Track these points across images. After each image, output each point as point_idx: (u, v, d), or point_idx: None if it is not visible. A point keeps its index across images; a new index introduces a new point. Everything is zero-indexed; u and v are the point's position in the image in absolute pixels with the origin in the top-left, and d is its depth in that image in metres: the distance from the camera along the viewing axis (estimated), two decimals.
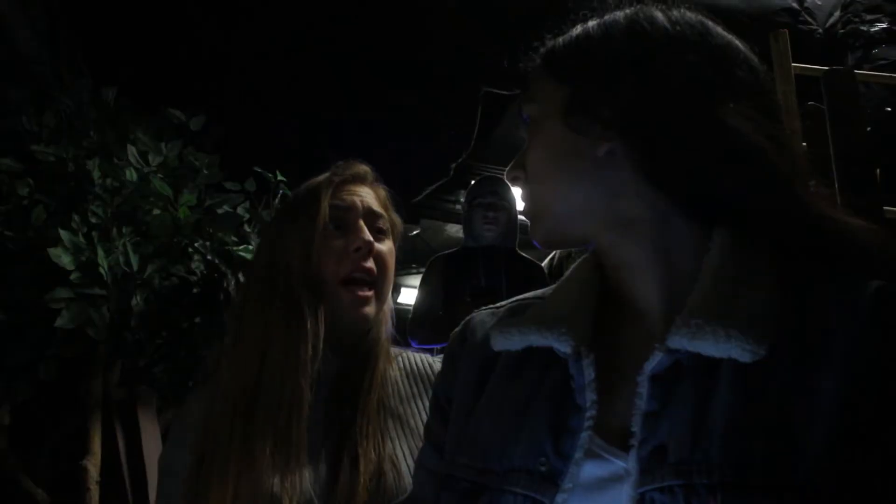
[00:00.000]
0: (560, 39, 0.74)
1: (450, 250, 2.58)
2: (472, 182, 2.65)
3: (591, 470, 0.64)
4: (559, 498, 0.64)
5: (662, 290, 0.69)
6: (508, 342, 0.73)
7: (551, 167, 0.71)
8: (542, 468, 0.66)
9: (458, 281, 2.37)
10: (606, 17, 0.73)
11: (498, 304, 0.82)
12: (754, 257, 0.65)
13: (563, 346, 0.69)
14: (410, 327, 2.43)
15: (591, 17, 0.74)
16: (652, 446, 0.61)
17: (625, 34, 0.70)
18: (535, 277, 2.43)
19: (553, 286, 0.78)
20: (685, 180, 0.66)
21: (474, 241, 2.47)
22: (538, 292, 0.84)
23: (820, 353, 0.58)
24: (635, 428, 0.62)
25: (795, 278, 0.64)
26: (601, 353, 0.68)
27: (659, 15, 0.71)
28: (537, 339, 0.71)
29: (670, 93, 0.67)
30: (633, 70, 0.68)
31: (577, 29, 0.74)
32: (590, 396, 0.66)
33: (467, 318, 0.85)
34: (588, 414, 0.65)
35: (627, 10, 0.72)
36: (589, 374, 0.67)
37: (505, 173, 0.77)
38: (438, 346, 2.26)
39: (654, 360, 0.63)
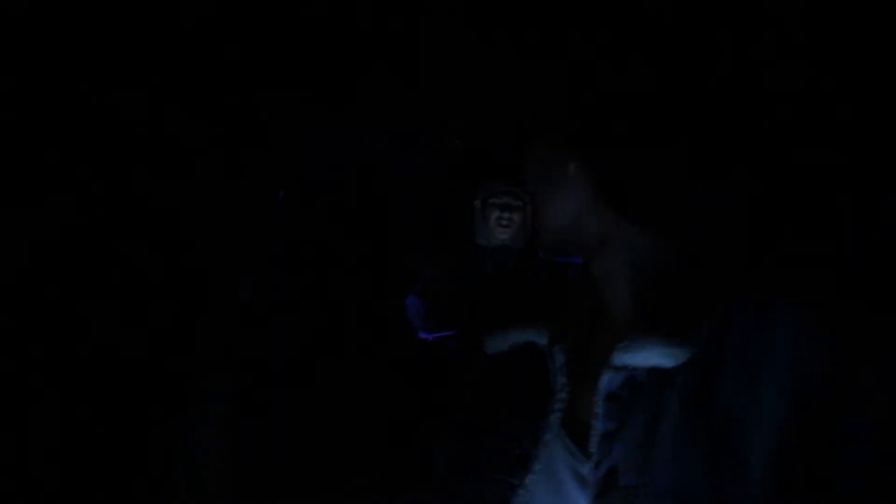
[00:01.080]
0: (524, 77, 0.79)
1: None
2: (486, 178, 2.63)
3: (557, 463, 0.66)
4: (528, 479, 0.66)
5: (629, 303, 0.70)
6: (496, 344, 0.77)
7: (538, 185, 0.75)
8: (517, 451, 0.69)
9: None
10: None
11: None
12: (698, 272, 0.67)
13: (541, 339, 0.72)
14: None
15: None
16: (606, 468, 0.62)
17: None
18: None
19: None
20: (632, 200, 0.68)
21: (486, 239, 2.44)
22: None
23: (757, 373, 0.58)
24: (592, 448, 0.63)
25: (736, 293, 0.64)
26: (578, 357, 0.70)
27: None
28: (517, 336, 0.75)
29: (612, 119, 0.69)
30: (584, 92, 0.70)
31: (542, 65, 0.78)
32: (560, 380, 0.69)
33: None
34: (559, 397, 0.68)
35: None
36: (559, 359, 0.70)
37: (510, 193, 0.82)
38: None
39: (605, 379, 0.64)
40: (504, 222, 2.39)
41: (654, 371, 0.62)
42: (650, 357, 0.61)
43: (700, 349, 0.60)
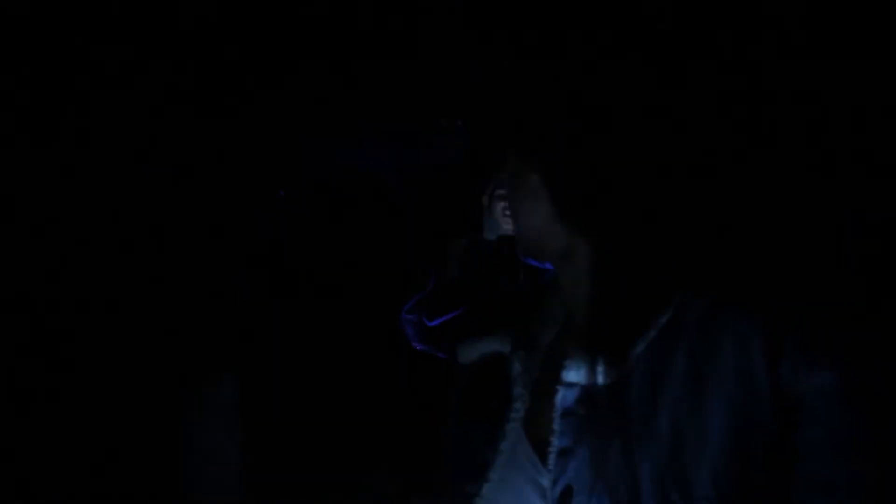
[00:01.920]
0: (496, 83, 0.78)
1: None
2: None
3: (515, 473, 0.65)
4: (485, 488, 0.65)
5: (589, 314, 0.69)
6: (466, 354, 0.76)
7: (511, 197, 0.75)
8: (478, 459, 0.67)
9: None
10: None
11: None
12: (649, 287, 0.65)
13: (504, 347, 0.72)
14: None
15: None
16: (562, 487, 0.61)
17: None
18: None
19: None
20: (592, 214, 0.67)
21: (493, 233, 2.46)
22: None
23: (704, 385, 0.57)
24: (551, 465, 0.62)
25: (682, 306, 0.63)
26: (544, 367, 0.69)
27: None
28: (484, 346, 0.75)
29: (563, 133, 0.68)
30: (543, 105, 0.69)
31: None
32: (517, 390, 0.68)
33: None
34: (516, 405, 0.67)
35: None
36: (517, 368, 0.69)
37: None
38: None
39: (559, 395, 0.63)
40: (509, 212, 2.41)
41: (608, 387, 0.61)
42: (581, 374, 0.61)
43: (642, 365, 0.59)
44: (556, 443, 0.62)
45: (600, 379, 0.60)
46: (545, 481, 0.62)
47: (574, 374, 0.62)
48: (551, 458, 0.62)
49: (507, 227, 2.42)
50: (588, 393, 0.62)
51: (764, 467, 0.54)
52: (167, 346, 2.01)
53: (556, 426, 0.62)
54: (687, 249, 0.65)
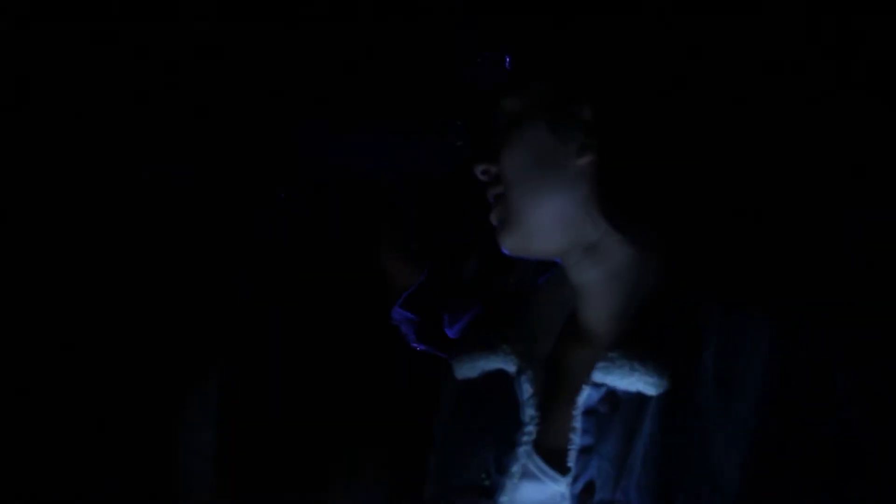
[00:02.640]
0: (552, 32, 0.72)
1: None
2: None
3: (529, 491, 0.65)
4: None
5: (611, 317, 0.69)
6: (464, 370, 0.74)
7: (529, 173, 0.69)
8: (486, 483, 0.66)
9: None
10: (604, 18, 0.72)
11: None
12: (682, 290, 0.66)
13: (509, 366, 0.69)
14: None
15: (590, 15, 0.72)
16: (583, 483, 0.61)
17: (618, 38, 0.69)
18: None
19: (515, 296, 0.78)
20: (642, 203, 0.66)
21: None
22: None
23: (732, 392, 0.58)
24: (570, 463, 0.62)
25: (711, 311, 0.63)
26: (551, 373, 0.69)
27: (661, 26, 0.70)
28: (486, 364, 0.71)
29: (651, 106, 0.66)
30: (622, 76, 0.67)
31: (573, 25, 0.73)
32: (528, 412, 0.67)
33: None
34: (527, 429, 0.66)
35: (628, 16, 0.71)
36: (527, 389, 0.67)
37: (475, 166, 0.73)
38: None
39: (584, 395, 0.63)
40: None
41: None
42: (632, 382, 0.60)
43: (679, 374, 0.60)
44: (577, 441, 0.62)
45: (642, 389, 0.60)
46: (562, 486, 0.62)
47: (606, 377, 0.62)
48: (572, 457, 0.62)
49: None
50: (611, 393, 0.62)
51: (791, 468, 0.55)
52: (160, 344, 2.02)
53: (577, 424, 0.63)
54: (715, 249, 0.66)
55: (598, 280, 0.69)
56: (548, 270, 0.79)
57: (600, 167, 0.66)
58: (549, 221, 0.68)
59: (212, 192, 2.50)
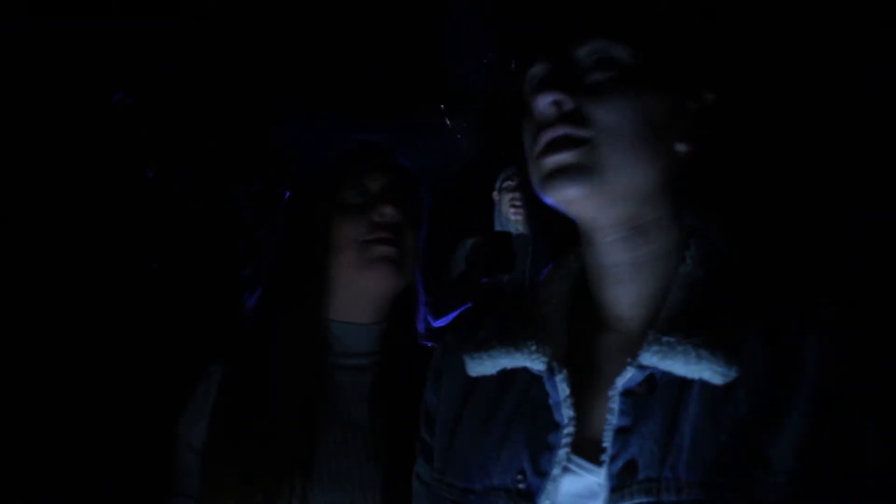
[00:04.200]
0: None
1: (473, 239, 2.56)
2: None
3: (566, 485, 0.61)
4: None
5: (644, 299, 0.66)
6: (481, 367, 0.69)
7: (636, 133, 0.62)
8: (521, 485, 0.63)
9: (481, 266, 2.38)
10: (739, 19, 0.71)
11: (466, 319, 0.78)
12: (721, 271, 0.63)
13: (536, 365, 0.65)
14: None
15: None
16: (623, 462, 0.58)
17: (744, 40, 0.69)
18: None
19: (520, 292, 0.75)
20: (735, 197, 0.65)
21: (502, 226, 2.45)
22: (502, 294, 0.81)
23: (788, 379, 0.56)
24: (606, 443, 0.59)
25: (766, 303, 0.61)
26: (576, 367, 0.65)
27: None
28: (508, 362, 0.67)
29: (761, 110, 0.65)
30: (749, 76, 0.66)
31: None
32: (566, 413, 0.63)
33: (449, 328, 0.81)
34: (566, 431, 0.62)
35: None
36: (563, 390, 0.64)
37: (545, 92, 0.63)
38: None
39: (626, 376, 0.60)
40: (517, 204, 2.37)
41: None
42: (696, 369, 0.57)
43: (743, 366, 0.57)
44: (613, 421, 0.60)
45: (707, 377, 0.57)
46: (599, 476, 0.60)
47: (657, 360, 0.59)
48: (607, 436, 0.60)
49: (516, 217, 2.38)
50: (651, 375, 0.60)
51: (844, 447, 0.54)
52: (158, 343, 2.01)
53: (613, 405, 0.60)
54: (785, 245, 0.66)
55: (634, 261, 0.66)
56: (546, 264, 0.76)
57: (702, 157, 0.64)
58: (632, 187, 0.63)
59: (213, 192, 2.50)
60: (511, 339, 0.68)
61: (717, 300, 0.61)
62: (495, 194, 2.50)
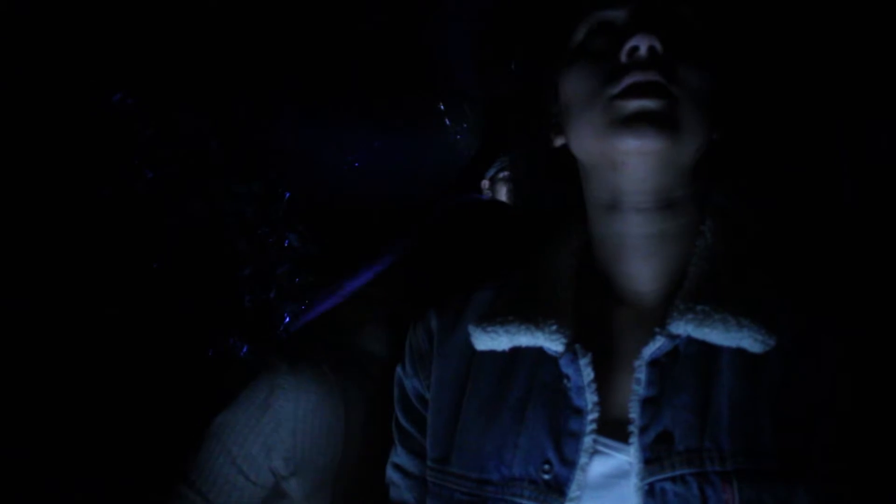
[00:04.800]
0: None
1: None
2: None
3: (595, 468, 0.60)
4: None
5: (663, 272, 0.66)
6: (494, 342, 0.67)
7: (714, 98, 0.63)
8: (546, 476, 0.61)
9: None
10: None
11: (453, 294, 0.76)
12: (744, 245, 0.63)
13: (556, 346, 0.65)
14: None
15: None
16: (656, 433, 0.57)
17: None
18: None
19: (515, 269, 0.73)
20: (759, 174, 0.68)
21: None
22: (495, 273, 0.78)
23: (824, 348, 0.56)
24: (633, 415, 0.59)
25: (795, 270, 0.61)
26: (593, 344, 0.64)
27: None
28: (527, 340, 0.66)
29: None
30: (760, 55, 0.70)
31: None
32: (590, 398, 0.62)
33: (425, 311, 0.79)
34: (590, 417, 0.61)
35: None
36: (588, 374, 0.63)
37: (645, 32, 0.61)
38: None
39: (655, 346, 0.60)
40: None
41: (699, 342, 0.59)
42: (735, 337, 0.56)
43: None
44: (641, 391, 0.59)
45: (746, 345, 0.57)
46: (628, 455, 0.59)
47: (691, 328, 0.59)
48: (633, 407, 0.59)
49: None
50: (676, 346, 0.60)
51: (883, 437, 0.54)
52: (157, 342, 2.00)
53: (640, 375, 0.60)
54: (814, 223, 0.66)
55: (664, 234, 0.66)
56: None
57: (727, 141, 0.66)
58: (692, 153, 0.64)
59: (216, 192, 2.50)
60: (531, 317, 0.66)
61: (742, 273, 0.61)
62: (485, 183, 2.48)
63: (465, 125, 3.49)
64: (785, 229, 0.67)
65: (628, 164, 0.63)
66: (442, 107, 3.32)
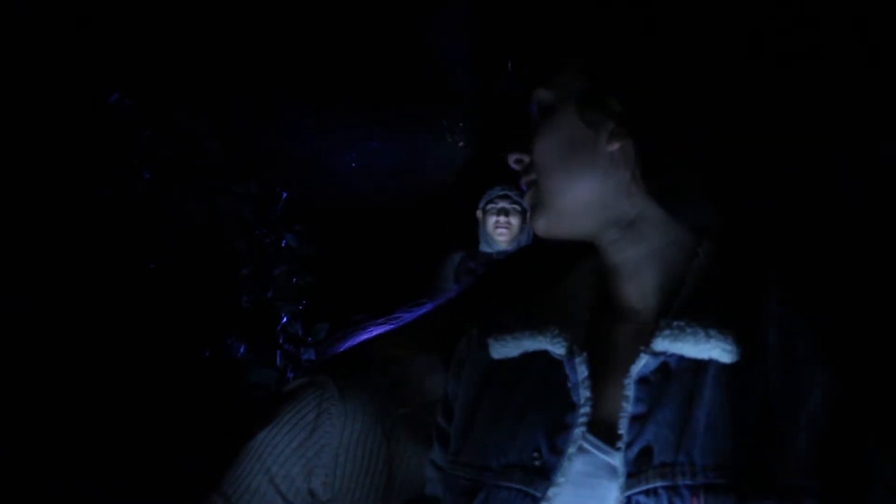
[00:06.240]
0: (583, 28, 0.75)
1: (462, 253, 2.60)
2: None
3: (580, 464, 0.64)
4: (551, 491, 0.63)
5: (655, 292, 0.69)
6: (505, 349, 0.73)
7: (561, 159, 0.71)
8: (536, 462, 0.65)
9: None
10: (632, 14, 0.74)
11: (497, 308, 0.82)
12: (740, 264, 0.66)
13: (557, 348, 0.69)
14: None
15: (616, 13, 0.75)
16: (639, 448, 0.60)
17: (647, 33, 0.71)
18: None
19: (547, 287, 0.78)
20: (681, 186, 0.67)
21: (488, 246, 2.50)
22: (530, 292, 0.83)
23: (801, 358, 0.58)
24: (622, 430, 0.61)
25: (774, 284, 0.64)
26: (594, 353, 0.68)
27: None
28: (531, 344, 0.71)
29: (678, 95, 0.68)
30: (650, 69, 0.69)
31: (603, 21, 0.75)
32: (583, 393, 0.66)
33: (475, 321, 0.84)
34: (582, 411, 0.65)
35: (653, 10, 0.73)
36: (581, 371, 0.67)
37: (508, 156, 0.76)
38: None
39: (640, 363, 0.63)
40: (502, 226, 2.45)
41: (687, 358, 0.61)
42: (705, 349, 0.60)
43: (745, 343, 0.60)
44: (629, 409, 0.62)
45: (716, 356, 0.60)
46: (613, 458, 0.62)
47: (668, 344, 0.62)
48: (623, 424, 0.62)
49: (500, 238, 2.45)
50: (665, 363, 0.63)
51: (861, 433, 0.56)
52: (157, 342, 2.01)
53: (629, 393, 0.63)
54: (771, 224, 0.69)
55: (638, 257, 0.70)
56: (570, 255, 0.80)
57: (636, 152, 0.67)
58: (581, 203, 0.70)
59: (215, 192, 2.51)
60: (535, 325, 0.72)
61: (727, 289, 0.64)
62: (479, 213, 2.55)
63: (462, 125, 3.51)
64: (780, 238, 0.69)
65: (548, 236, 0.76)
66: (440, 108, 3.34)
